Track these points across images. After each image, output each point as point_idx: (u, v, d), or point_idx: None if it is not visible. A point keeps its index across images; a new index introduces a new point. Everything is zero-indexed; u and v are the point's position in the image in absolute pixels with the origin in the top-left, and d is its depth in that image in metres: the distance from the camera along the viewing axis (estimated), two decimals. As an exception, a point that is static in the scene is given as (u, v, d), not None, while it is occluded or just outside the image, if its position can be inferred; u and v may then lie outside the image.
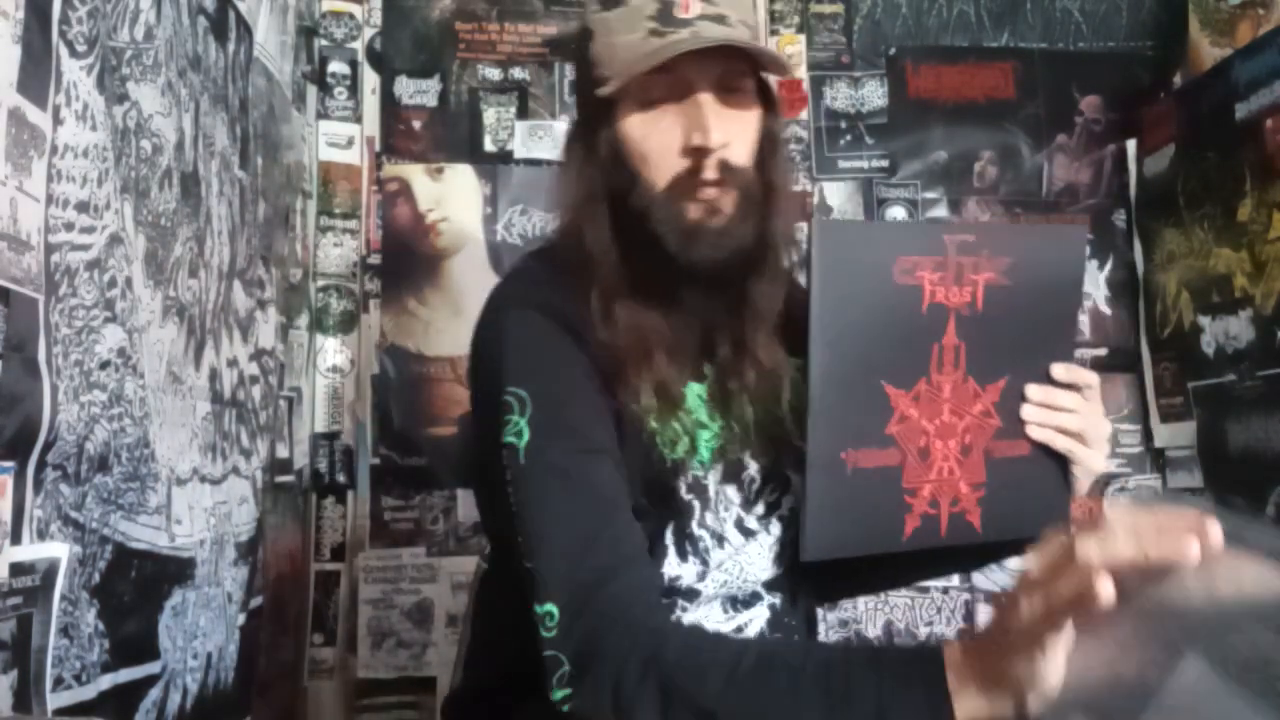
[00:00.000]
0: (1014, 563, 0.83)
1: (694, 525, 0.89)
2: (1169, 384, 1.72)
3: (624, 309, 0.88)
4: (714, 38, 0.83)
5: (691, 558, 0.89)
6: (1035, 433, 0.84)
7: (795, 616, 0.94)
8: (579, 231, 0.90)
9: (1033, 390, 0.84)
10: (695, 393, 0.91)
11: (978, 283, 0.81)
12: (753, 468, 0.92)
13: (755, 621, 0.91)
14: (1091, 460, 0.85)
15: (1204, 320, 1.62)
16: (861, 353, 0.80)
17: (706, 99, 0.84)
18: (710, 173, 0.84)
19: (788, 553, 0.92)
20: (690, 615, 0.89)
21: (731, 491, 0.90)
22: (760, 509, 0.92)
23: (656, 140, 0.86)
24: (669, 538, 0.89)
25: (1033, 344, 0.84)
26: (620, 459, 0.85)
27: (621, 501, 0.83)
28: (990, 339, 0.82)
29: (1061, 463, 0.86)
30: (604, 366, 0.87)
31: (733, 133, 0.85)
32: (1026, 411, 0.84)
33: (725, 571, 0.90)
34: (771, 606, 0.92)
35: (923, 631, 1.71)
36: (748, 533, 0.91)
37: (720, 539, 0.90)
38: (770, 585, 0.92)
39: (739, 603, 0.91)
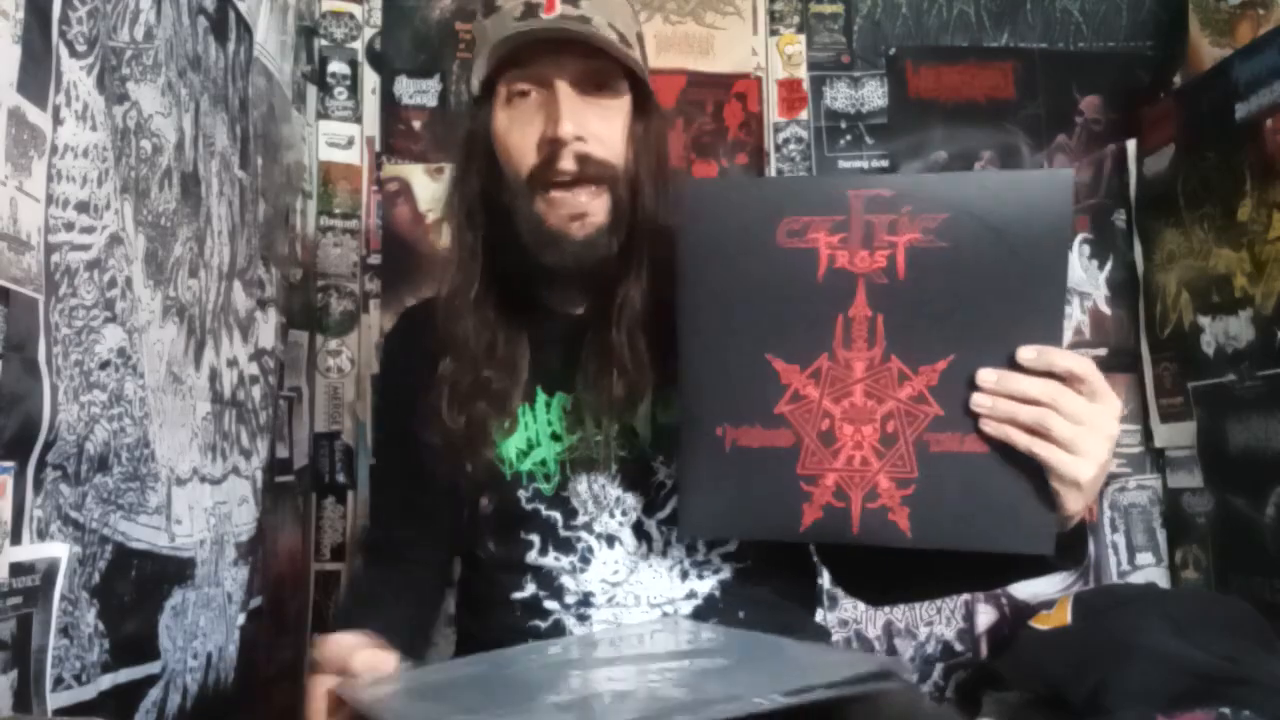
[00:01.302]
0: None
1: (562, 530, 0.91)
2: (1169, 384, 1.72)
3: (473, 317, 0.91)
4: (554, 27, 0.83)
5: (560, 555, 0.91)
6: (986, 427, 0.71)
7: (733, 617, 0.91)
8: (459, 231, 0.93)
9: (983, 375, 0.70)
10: (560, 403, 0.93)
11: (896, 245, 0.70)
12: (662, 473, 0.91)
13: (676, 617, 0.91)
14: (1066, 466, 0.69)
15: (1204, 320, 1.62)
16: (740, 323, 0.73)
17: (563, 90, 0.85)
18: (566, 163, 0.84)
19: (704, 563, 0.91)
20: (602, 614, 0.89)
21: (631, 498, 0.90)
22: (665, 513, 0.91)
23: (517, 133, 0.87)
24: (532, 536, 0.92)
25: (991, 318, 0.70)
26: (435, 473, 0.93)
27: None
28: (920, 312, 0.71)
29: (1036, 468, 0.71)
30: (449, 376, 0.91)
31: (593, 126, 0.86)
32: (975, 400, 0.71)
33: (618, 575, 0.90)
34: (699, 606, 0.90)
35: (923, 631, 1.71)
36: (645, 537, 0.91)
37: (610, 540, 0.91)
38: (697, 590, 0.91)
39: (653, 605, 0.90)
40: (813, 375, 0.73)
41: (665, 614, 0.90)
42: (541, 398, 0.94)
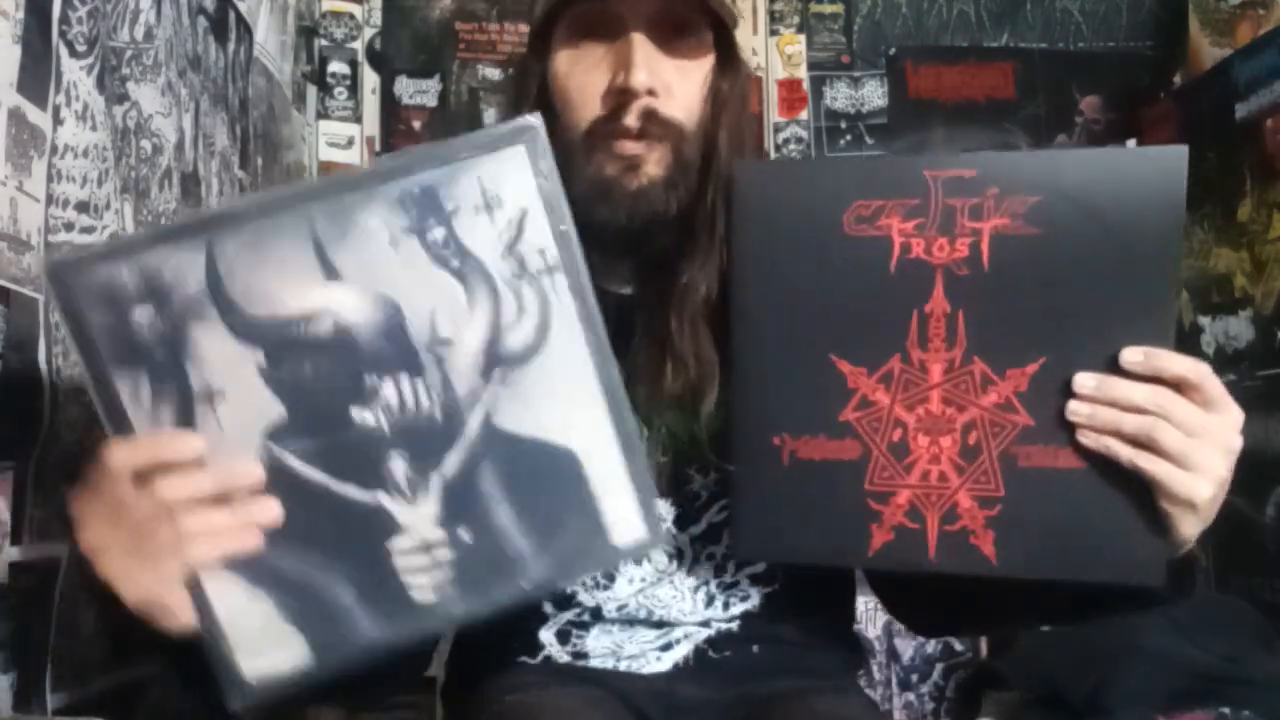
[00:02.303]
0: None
1: None
2: (1169, 384, 1.72)
3: None
4: None
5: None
6: (1085, 439, 0.61)
7: (748, 652, 0.82)
8: None
9: (1080, 380, 0.61)
10: None
11: (981, 232, 0.62)
12: (698, 481, 0.80)
13: (686, 642, 0.82)
14: (1178, 484, 0.60)
15: (1204, 320, 1.62)
16: (801, 320, 0.65)
17: (638, 37, 0.74)
18: (631, 119, 0.74)
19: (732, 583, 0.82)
20: (595, 639, 0.81)
21: (664, 508, 0.79)
22: (700, 527, 0.81)
23: (580, 78, 0.77)
24: None
25: (1089, 315, 0.62)
26: None
27: None
28: (1008, 307, 0.62)
29: (1144, 486, 0.62)
30: None
31: (667, 80, 0.76)
32: (1072, 408, 0.61)
33: (642, 594, 0.80)
34: (719, 633, 0.82)
35: (923, 631, 1.71)
36: (676, 553, 0.80)
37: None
38: (712, 620, 0.82)
39: (664, 624, 0.81)
40: (883, 379, 0.64)
41: (671, 642, 0.82)
42: None
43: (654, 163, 0.76)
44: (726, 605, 0.83)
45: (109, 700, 0.91)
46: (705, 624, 0.82)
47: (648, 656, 0.82)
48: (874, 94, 1.87)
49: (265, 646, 0.60)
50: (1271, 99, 1.45)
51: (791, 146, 1.85)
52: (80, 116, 0.86)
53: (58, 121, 0.83)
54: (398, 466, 0.58)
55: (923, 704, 1.70)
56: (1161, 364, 0.60)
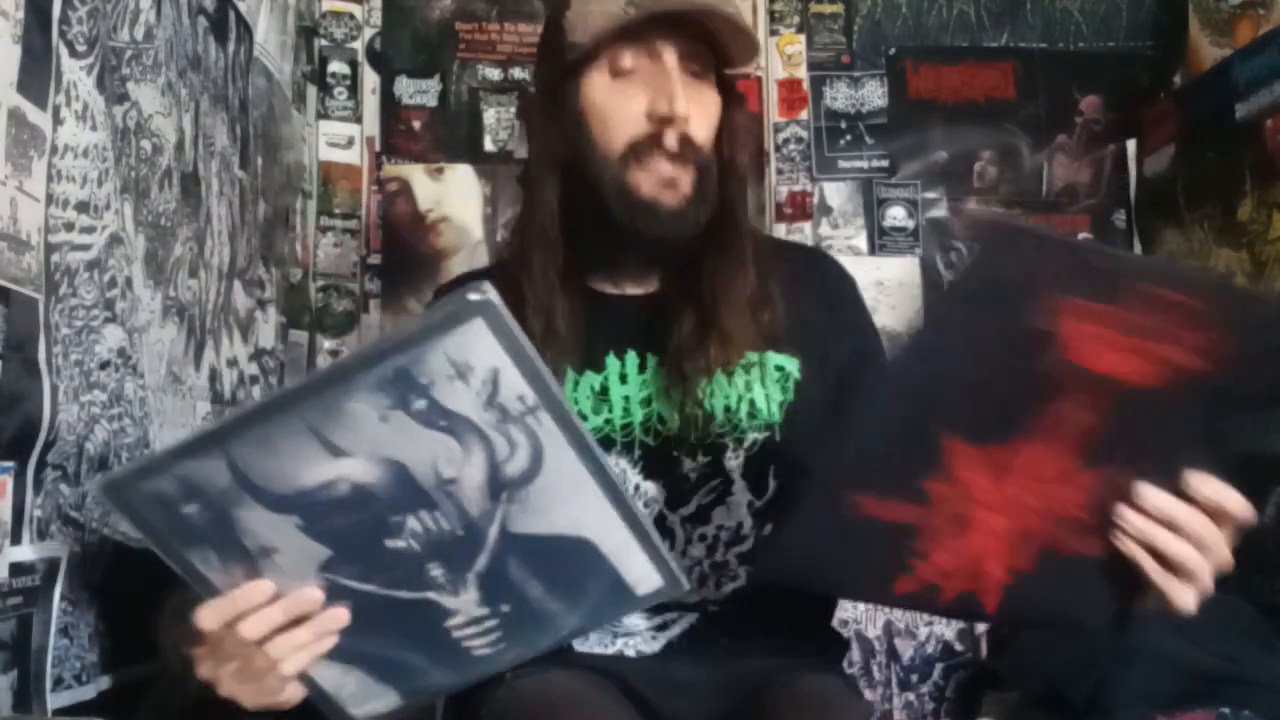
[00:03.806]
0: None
1: None
2: (1169, 384, 1.72)
3: (538, 284, 0.88)
4: (687, 2, 0.83)
5: None
6: (1124, 544, 0.63)
7: (739, 622, 0.89)
8: (529, 199, 0.92)
9: (1148, 495, 0.62)
10: (589, 382, 0.90)
11: (1166, 359, 0.56)
12: (687, 464, 0.88)
13: (680, 622, 0.88)
14: (1177, 597, 0.64)
15: (1204, 320, 1.62)
16: (940, 389, 0.60)
17: (674, 70, 0.85)
18: (671, 142, 0.84)
19: (717, 570, 0.89)
20: None
21: (653, 488, 0.88)
22: (690, 509, 0.88)
23: (620, 103, 0.86)
24: None
25: (1178, 434, 0.61)
26: None
27: None
28: (1145, 432, 0.59)
29: (1134, 576, 0.64)
30: None
31: (696, 110, 0.86)
32: (1128, 518, 0.63)
33: None
34: (709, 614, 0.88)
35: (923, 631, 1.71)
36: (667, 534, 0.87)
37: None
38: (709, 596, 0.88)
39: (661, 606, 0.87)
40: (985, 461, 0.61)
41: (666, 622, 0.88)
42: (571, 376, 0.90)
43: (686, 183, 0.86)
44: (719, 584, 0.89)
45: (109, 700, 0.91)
46: (699, 605, 0.88)
47: (643, 635, 0.88)
48: (874, 94, 1.87)
49: (366, 699, 0.73)
50: (1271, 99, 1.45)
51: (791, 146, 1.85)
52: (80, 116, 0.86)
53: (58, 121, 0.83)
54: (436, 572, 0.67)
55: (923, 704, 1.70)
56: (1220, 497, 0.63)
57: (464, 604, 0.68)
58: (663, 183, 0.85)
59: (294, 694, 0.70)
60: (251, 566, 0.65)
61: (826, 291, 0.98)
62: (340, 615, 0.67)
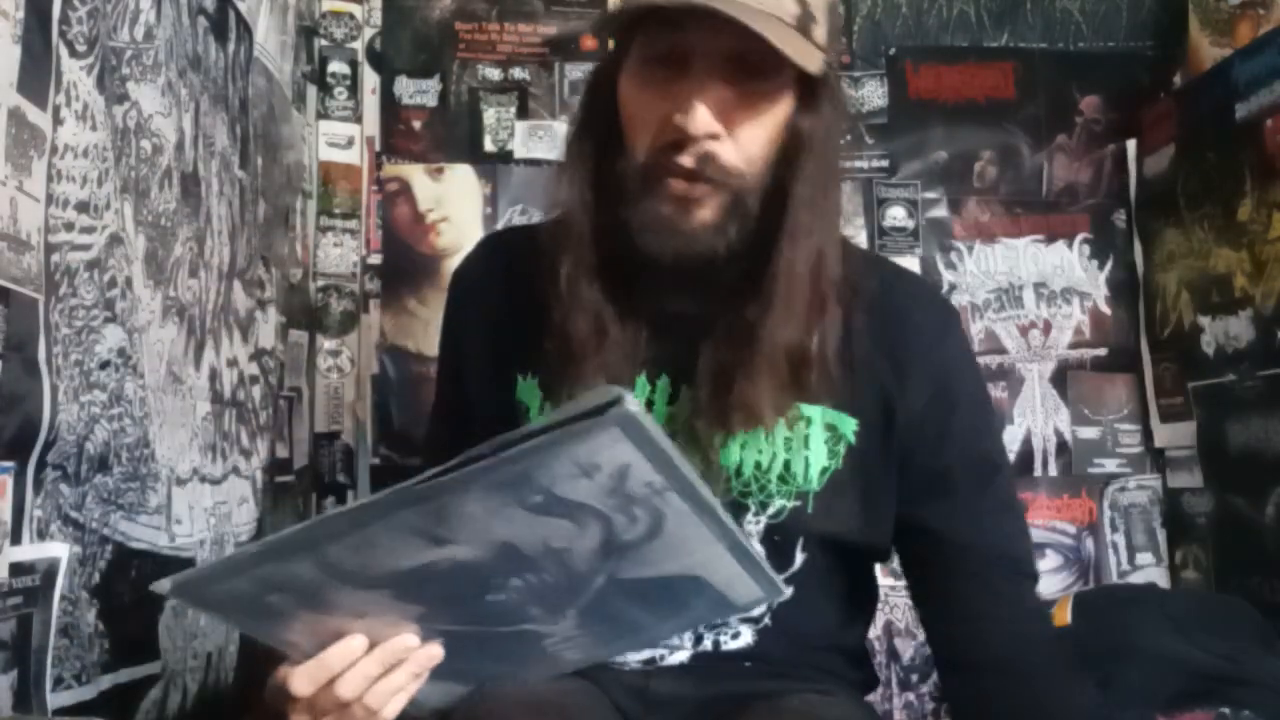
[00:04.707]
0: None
1: None
2: (1169, 384, 1.72)
3: (574, 280, 0.78)
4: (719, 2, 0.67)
5: None
6: None
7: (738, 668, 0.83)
8: (561, 185, 0.81)
9: None
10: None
11: None
12: None
13: (671, 658, 0.83)
14: None
15: (1204, 320, 1.62)
16: None
17: (705, 75, 0.71)
18: (688, 160, 0.72)
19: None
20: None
21: None
22: None
23: (643, 105, 0.75)
24: None
25: None
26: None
27: None
28: None
29: None
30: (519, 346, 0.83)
31: (734, 124, 0.72)
32: None
33: None
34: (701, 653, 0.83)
35: (923, 632, 1.71)
36: None
37: None
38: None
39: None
40: None
41: (654, 658, 0.83)
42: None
43: (707, 206, 0.74)
44: (716, 645, 0.83)
45: (109, 700, 0.91)
46: (696, 641, 0.83)
47: (630, 663, 0.83)
48: (874, 94, 1.87)
49: (446, 698, 0.73)
50: (1271, 99, 1.45)
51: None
52: (80, 116, 0.86)
53: (58, 121, 0.83)
54: (535, 613, 0.66)
55: (923, 704, 1.70)
56: None
57: (561, 629, 0.68)
58: (677, 200, 0.73)
59: None
60: (340, 626, 0.63)
61: (898, 337, 0.82)
62: (435, 653, 0.65)
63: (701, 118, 0.70)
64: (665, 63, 0.73)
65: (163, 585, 0.59)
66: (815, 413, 0.79)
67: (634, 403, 0.50)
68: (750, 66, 0.72)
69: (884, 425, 0.81)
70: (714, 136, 0.72)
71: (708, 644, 0.83)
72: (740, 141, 0.73)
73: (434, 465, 0.54)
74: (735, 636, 0.83)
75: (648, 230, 0.74)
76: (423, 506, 0.54)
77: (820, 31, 0.74)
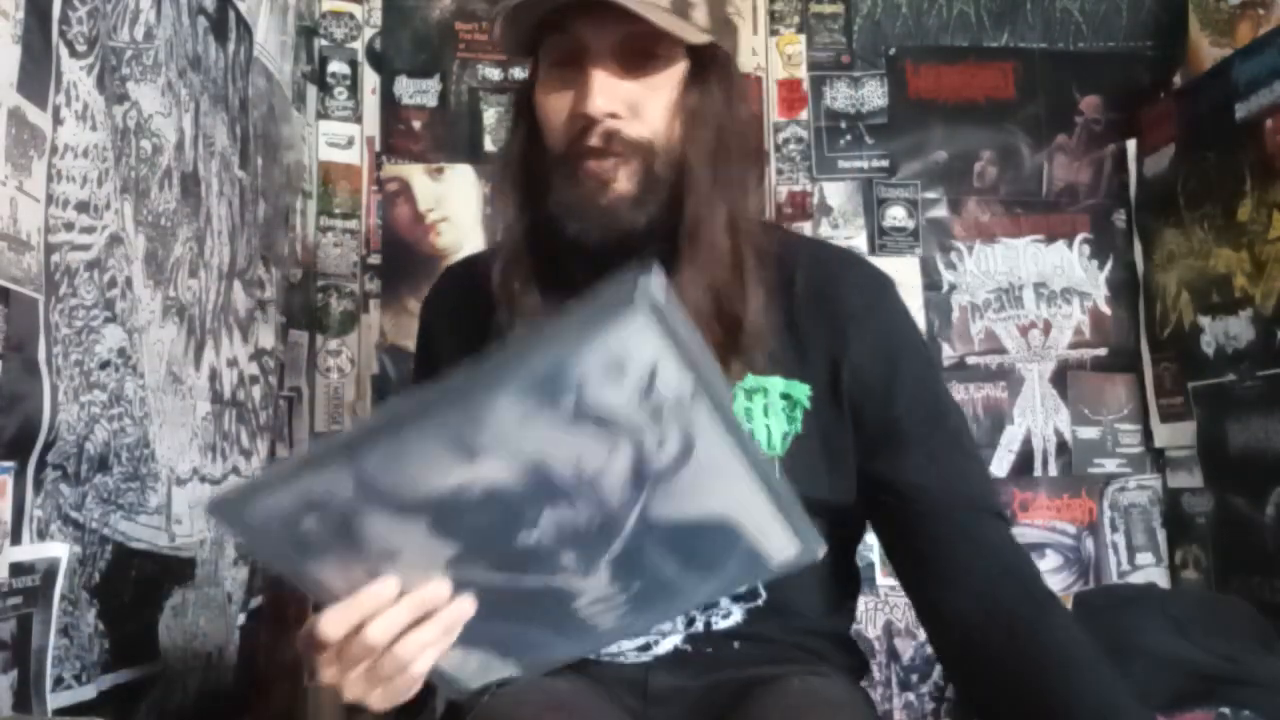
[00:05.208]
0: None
1: None
2: (1169, 384, 1.72)
3: (522, 289, 0.84)
4: None
5: None
6: None
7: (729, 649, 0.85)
8: (499, 204, 0.88)
9: None
10: None
11: None
12: None
13: (665, 643, 0.84)
14: None
15: (1204, 320, 1.62)
16: None
17: (597, 60, 0.79)
18: (594, 140, 0.79)
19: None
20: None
21: None
22: None
23: (551, 105, 0.82)
24: None
25: None
26: None
27: None
28: None
29: None
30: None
31: (632, 102, 0.79)
32: None
33: None
34: (694, 636, 0.84)
35: (923, 631, 1.71)
36: None
37: None
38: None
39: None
40: None
41: (650, 644, 0.85)
42: None
43: (623, 179, 0.80)
44: (708, 625, 0.84)
45: (109, 700, 0.91)
46: (689, 623, 0.84)
47: (626, 654, 0.84)
48: (874, 94, 1.87)
49: (487, 674, 0.71)
50: (1271, 99, 1.45)
51: (791, 146, 1.85)
52: (80, 116, 0.86)
53: (58, 121, 0.83)
54: (568, 560, 0.64)
55: (923, 704, 1.70)
56: None
57: (593, 585, 0.66)
58: (593, 178, 0.79)
59: (415, 689, 0.67)
60: (373, 569, 0.62)
61: (834, 304, 0.87)
62: (466, 607, 0.64)
63: (598, 99, 0.78)
64: (565, 64, 0.81)
65: (207, 504, 0.59)
66: (771, 383, 0.84)
67: (659, 286, 0.50)
68: (639, 51, 0.79)
69: (833, 387, 0.85)
70: (614, 116, 0.78)
71: (699, 625, 0.84)
72: (641, 117, 0.80)
73: None
74: (726, 616, 0.84)
75: (570, 215, 0.80)
76: (456, 406, 0.55)
77: (699, 14, 0.82)
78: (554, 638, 0.70)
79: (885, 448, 0.85)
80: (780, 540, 0.67)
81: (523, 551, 0.62)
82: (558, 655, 0.72)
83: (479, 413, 0.54)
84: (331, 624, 0.62)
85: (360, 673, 0.64)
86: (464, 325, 0.91)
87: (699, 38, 0.81)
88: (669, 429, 0.57)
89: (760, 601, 0.84)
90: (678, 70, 0.82)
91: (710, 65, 0.83)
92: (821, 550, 0.68)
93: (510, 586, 0.65)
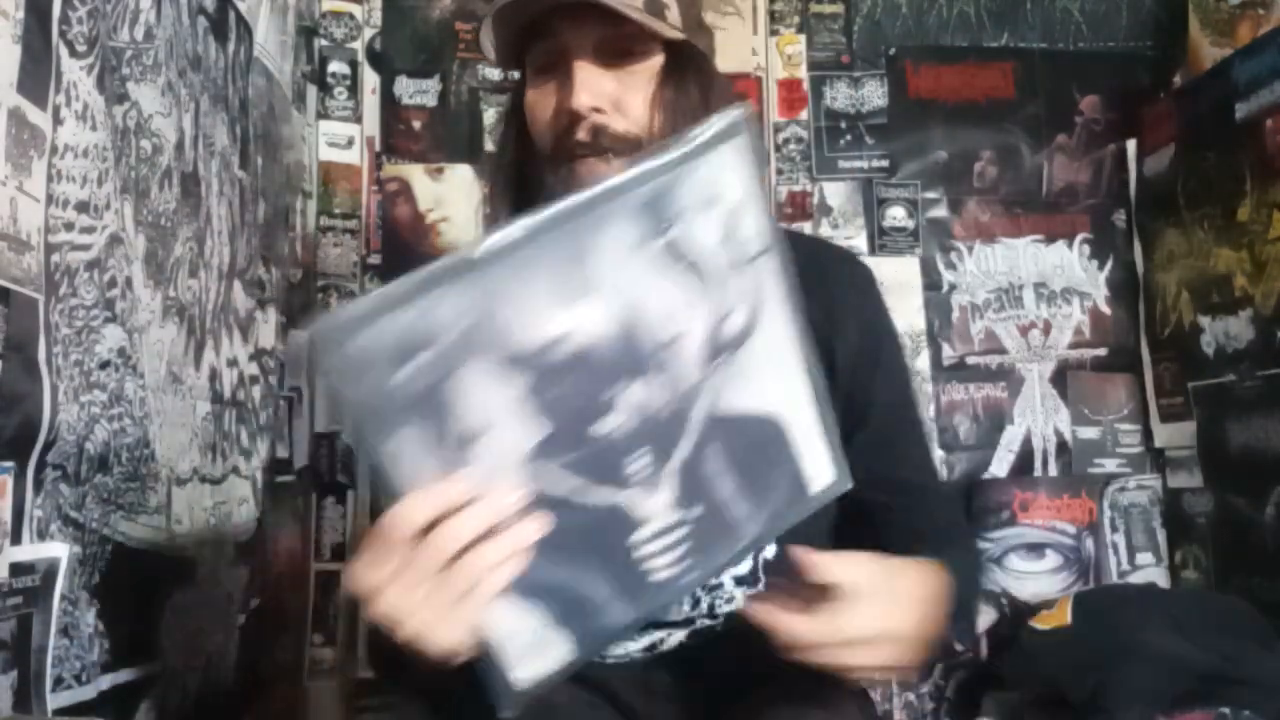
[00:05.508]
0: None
1: None
2: (1169, 384, 1.72)
3: None
4: None
5: None
6: None
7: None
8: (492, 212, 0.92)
9: None
10: None
11: None
12: None
13: (670, 640, 0.85)
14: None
15: (1204, 320, 1.62)
16: None
17: (580, 59, 0.82)
18: (582, 135, 0.82)
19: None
20: None
21: None
22: None
23: (539, 107, 0.86)
24: None
25: None
26: None
27: None
28: None
29: None
30: None
31: (615, 97, 0.83)
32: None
33: None
34: (699, 630, 0.86)
35: (923, 631, 1.71)
36: None
37: None
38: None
39: (651, 626, 0.84)
40: None
41: (654, 644, 0.86)
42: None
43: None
44: (712, 607, 0.85)
45: (109, 700, 0.91)
46: (689, 621, 0.85)
47: (632, 654, 0.85)
48: (874, 94, 1.87)
49: (536, 653, 0.65)
50: (1271, 99, 1.45)
51: (791, 146, 1.85)
52: (80, 116, 0.86)
53: (58, 121, 0.83)
54: (637, 464, 0.63)
55: (923, 704, 1.70)
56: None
57: (656, 508, 0.65)
58: (586, 182, 0.82)
59: (468, 641, 0.61)
60: (451, 459, 0.58)
61: (829, 291, 0.91)
62: (539, 523, 0.59)
63: (582, 95, 0.81)
64: (549, 69, 0.85)
65: (312, 330, 0.56)
66: None
67: (749, 114, 0.55)
68: (618, 50, 0.83)
69: (827, 369, 0.87)
70: (599, 110, 0.82)
71: (704, 605, 0.85)
72: (624, 111, 0.83)
73: None
74: (729, 600, 0.86)
75: None
76: (582, 218, 0.57)
77: (672, 15, 0.85)
78: (610, 596, 0.67)
79: (856, 428, 0.88)
80: (819, 461, 0.69)
81: (599, 447, 0.62)
82: (610, 623, 0.68)
83: (595, 233, 0.57)
84: (409, 510, 0.57)
85: (424, 592, 0.57)
86: None
87: (673, 33, 0.84)
88: (744, 284, 0.62)
89: (761, 586, 0.86)
90: (655, 64, 0.85)
91: (687, 64, 0.87)
92: (850, 483, 0.71)
93: (579, 502, 0.63)
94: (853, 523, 0.89)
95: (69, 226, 0.85)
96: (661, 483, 0.64)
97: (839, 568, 0.67)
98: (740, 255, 0.61)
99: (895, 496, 0.88)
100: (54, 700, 0.83)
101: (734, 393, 0.64)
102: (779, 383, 0.66)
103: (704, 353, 0.62)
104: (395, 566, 0.57)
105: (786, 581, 0.70)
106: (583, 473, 0.62)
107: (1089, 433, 1.78)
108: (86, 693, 0.87)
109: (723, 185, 0.59)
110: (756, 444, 0.67)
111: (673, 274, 0.59)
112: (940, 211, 1.84)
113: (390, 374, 0.56)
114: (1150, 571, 1.75)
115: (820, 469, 0.71)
